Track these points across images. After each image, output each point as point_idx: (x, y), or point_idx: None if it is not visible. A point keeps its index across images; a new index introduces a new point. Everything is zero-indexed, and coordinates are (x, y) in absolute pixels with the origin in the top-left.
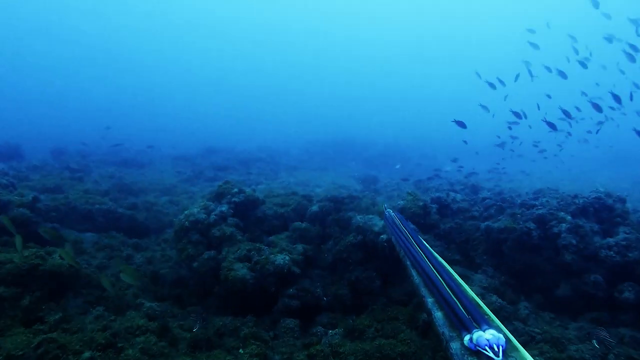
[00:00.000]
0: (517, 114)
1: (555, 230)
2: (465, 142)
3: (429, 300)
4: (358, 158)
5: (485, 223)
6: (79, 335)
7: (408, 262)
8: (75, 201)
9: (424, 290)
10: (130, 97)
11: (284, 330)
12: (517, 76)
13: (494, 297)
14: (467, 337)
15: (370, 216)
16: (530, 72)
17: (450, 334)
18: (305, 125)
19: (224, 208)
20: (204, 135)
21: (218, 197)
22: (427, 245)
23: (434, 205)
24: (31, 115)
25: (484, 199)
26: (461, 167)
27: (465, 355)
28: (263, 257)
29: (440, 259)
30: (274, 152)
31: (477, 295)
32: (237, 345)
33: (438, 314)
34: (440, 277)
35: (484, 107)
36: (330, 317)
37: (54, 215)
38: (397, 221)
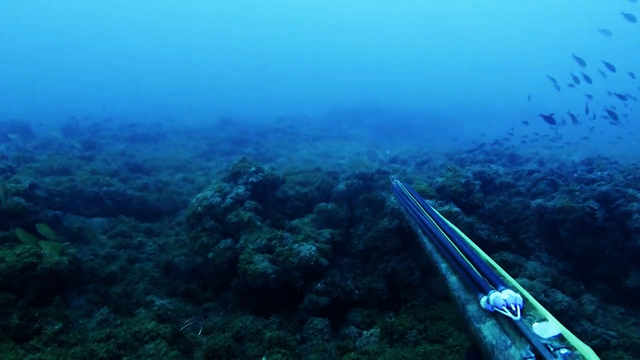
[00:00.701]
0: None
1: (624, 209)
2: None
3: (443, 266)
4: (385, 126)
5: (537, 201)
6: (78, 349)
7: (419, 231)
8: (81, 184)
9: (437, 256)
10: (146, 67)
11: (312, 332)
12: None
13: (560, 295)
14: (483, 299)
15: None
16: None
17: (466, 297)
18: (327, 93)
19: (241, 190)
20: (222, 105)
21: (234, 177)
22: (436, 212)
23: (476, 182)
24: (43, 92)
25: (531, 172)
26: (510, 134)
27: (483, 317)
28: (286, 247)
29: (451, 224)
30: (294, 121)
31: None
32: (260, 353)
33: (452, 279)
34: (452, 241)
35: (553, 80)
36: (363, 314)
37: (58, 201)
38: (406, 191)
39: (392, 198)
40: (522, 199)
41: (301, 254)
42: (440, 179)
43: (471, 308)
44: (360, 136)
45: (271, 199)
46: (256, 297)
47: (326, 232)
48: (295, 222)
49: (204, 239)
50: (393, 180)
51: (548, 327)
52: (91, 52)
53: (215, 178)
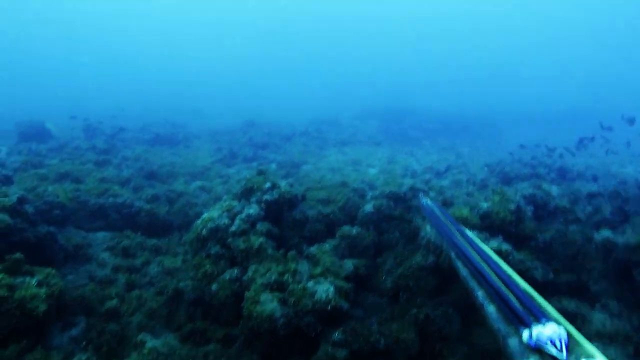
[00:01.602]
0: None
1: None
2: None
3: (479, 294)
4: (418, 129)
5: (603, 234)
6: None
7: (452, 254)
8: (86, 194)
9: (472, 284)
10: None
11: None
12: None
13: None
14: (525, 333)
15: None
16: None
17: (507, 330)
18: (358, 93)
19: (253, 210)
20: (250, 106)
21: (246, 193)
22: (470, 234)
23: (528, 208)
24: (67, 92)
25: (591, 195)
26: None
27: (526, 353)
28: (299, 286)
29: (486, 247)
30: (325, 124)
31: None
32: None
33: (491, 308)
34: (489, 267)
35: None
36: None
37: (57, 214)
38: (437, 211)
39: (428, 227)
40: (581, 227)
41: (316, 296)
42: (485, 203)
43: (512, 342)
44: (393, 140)
45: (288, 219)
46: (263, 342)
47: (349, 264)
48: (314, 249)
49: (207, 267)
50: (422, 198)
51: None
52: (118, 54)
53: (234, 187)
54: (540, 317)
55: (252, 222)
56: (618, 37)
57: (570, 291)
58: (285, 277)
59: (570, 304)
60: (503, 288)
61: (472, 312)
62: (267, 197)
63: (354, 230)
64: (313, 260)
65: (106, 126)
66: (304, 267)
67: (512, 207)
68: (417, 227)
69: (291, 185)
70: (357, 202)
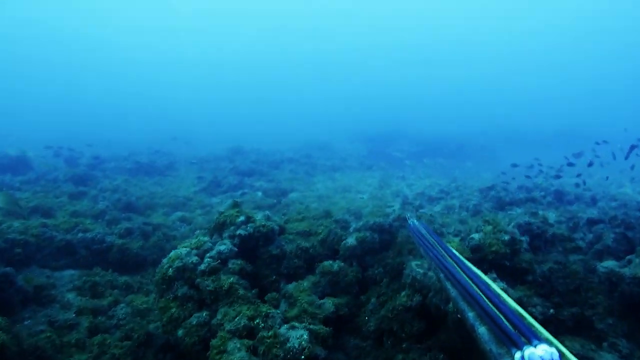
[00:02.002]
0: None
1: None
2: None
3: (470, 315)
4: (410, 153)
5: (606, 265)
6: None
7: (441, 275)
8: (53, 229)
9: (462, 304)
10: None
11: None
12: None
13: None
14: (518, 355)
15: None
16: None
17: (498, 351)
18: (350, 118)
19: (224, 247)
20: (240, 132)
21: (219, 228)
22: (457, 254)
23: (524, 238)
24: (44, 122)
25: (591, 221)
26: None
27: None
28: (270, 333)
29: (473, 267)
30: (316, 149)
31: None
32: None
33: (482, 330)
34: (478, 287)
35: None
36: None
37: (18, 252)
38: (424, 231)
39: (414, 264)
40: (582, 257)
41: (289, 344)
42: (477, 235)
43: None
44: (385, 164)
45: (264, 255)
46: None
47: (329, 304)
48: (292, 287)
49: (173, 310)
50: (409, 219)
51: None
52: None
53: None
54: (531, 337)
55: (223, 259)
56: (610, 57)
57: (573, 329)
58: (256, 321)
59: (575, 345)
60: (493, 309)
61: (463, 356)
62: (240, 231)
63: (336, 266)
64: (290, 300)
65: (87, 156)
66: (281, 307)
67: (506, 238)
68: (401, 262)
69: (267, 218)
70: (340, 234)
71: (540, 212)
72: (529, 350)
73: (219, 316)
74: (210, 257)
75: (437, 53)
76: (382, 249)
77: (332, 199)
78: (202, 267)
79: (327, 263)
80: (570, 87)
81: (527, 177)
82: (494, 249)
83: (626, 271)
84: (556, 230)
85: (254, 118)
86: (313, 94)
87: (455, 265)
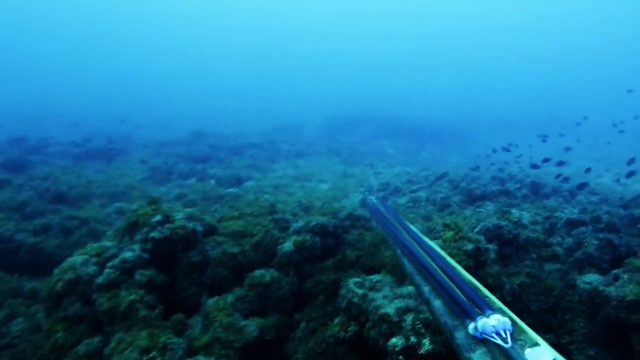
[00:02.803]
0: None
1: None
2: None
3: (426, 289)
4: (383, 138)
5: (587, 280)
6: None
7: (398, 251)
8: None
9: (418, 279)
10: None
11: None
12: None
13: None
14: (471, 326)
15: (380, 278)
16: None
17: (453, 323)
18: (327, 102)
19: (130, 254)
20: (211, 118)
21: (130, 230)
22: (415, 229)
23: (491, 247)
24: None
25: (570, 222)
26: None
27: (472, 345)
28: None
29: (430, 242)
30: (279, 132)
31: None
32: None
33: (437, 303)
34: (434, 262)
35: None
36: None
37: None
38: (382, 208)
39: (352, 282)
40: (559, 266)
41: None
42: (435, 242)
43: (459, 335)
44: (355, 151)
45: (183, 263)
46: None
47: (252, 327)
48: (211, 303)
49: (59, 335)
50: (367, 197)
51: (541, 353)
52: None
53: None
54: (484, 308)
55: (127, 269)
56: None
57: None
58: (152, 354)
59: None
60: (448, 282)
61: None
62: (155, 234)
63: (268, 276)
64: (206, 322)
65: (35, 137)
66: (195, 330)
67: (469, 247)
68: (337, 280)
69: (190, 217)
70: (277, 237)
71: (514, 212)
72: (482, 321)
73: (113, 344)
74: (111, 267)
75: (423, 41)
76: (326, 255)
77: (290, 188)
78: (100, 279)
79: (257, 273)
80: (554, 76)
81: (506, 149)
82: (455, 259)
83: (612, 291)
84: (530, 233)
85: (229, 103)
86: (292, 78)
87: (412, 241)
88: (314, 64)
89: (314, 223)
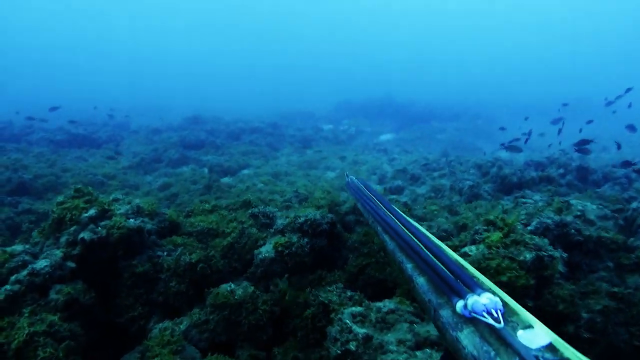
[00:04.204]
0: None
1: None
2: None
3: (408, 267)
4: (398, 122)
5: None
6: None
7: (379, 228)
8: None
9: (400, 256)
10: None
11: None
12: None
13: None
14: (459, 303)
15: (394, 306)
16: None
17: (438, 301)
18: (338, 87)
19: (44, 262)
20: (213, 108)
21: (55, 228)
22: (396, 209)
23: (557, 254)
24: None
25: None
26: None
27: (459, 324)
28: None
29: (413, 221)
30: (285, 117)
31: None
32: None
33: (420, 280)
34: (417, 239)
35: None
36: None
37: None
38: (362, 186)
39: (349, 314)
40: None
41: None
42: (475, 249)
43: (445, 314)
44: (368, 136)
45: (126, 274)
46: None
47: None
48: (155, 333)
49: None
50: (348, 176)
51: (535, 335)
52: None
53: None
54: (474, 287)
55: (38, 284)
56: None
57: None
58: None
59: None
60: (432, 259)
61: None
62: (85, 234)
63: (239, 292)
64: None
65: (19, 123)
66: None
67: (528, 257)
68: (326, 305)
69: (137, 211)
70: (255, 237)
71: (574, 203)
72: (472, 299)
73: None
74: (13, 283)
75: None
76: (319, 263)
77: (292, 177)
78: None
79: (224, 288)
80: (578, 56)
81: (542, 135)
82: (506, 277)
83: None
84: (602, 232)
85: (237, 90)
86: (301, 64)
87: (394, 218)
88: (326, 49)
89: (302, 219)
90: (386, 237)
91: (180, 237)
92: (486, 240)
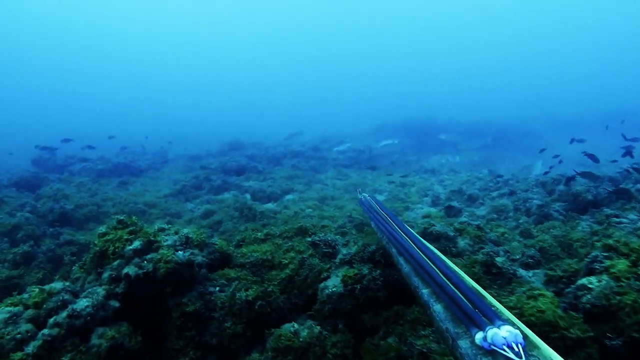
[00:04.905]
0: None
1: None
2: None
3: (425, 292)
4: (439, 143)
5: None
6: None
7: (394, 250)
8: None
9: (416, 280)
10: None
11: None
12: None
13: None
14: (479, 335)
15: None
16: None
17: (456, 331)
18: (373, 108)
19: (86, 302)
20: (248, 132)
21: (97, 262)
22: (410, 229)
23: None
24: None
25: None
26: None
27: (479, 356)
28: None
29: (428, 244)
30: (325, 141)
31: None
32: None
33: (437, 307)
34: (433, 263)
35: None
36: None
37: None
38: (375, 205)
39: None
40: None
41: None
42: (597, 282)
43: (463, 344)
44: (412, 158)
45: (175, 313)
46: None
47: None
48: None
49: None
50: (361, 194)
51: None
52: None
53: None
54: (493, 318)
55: (80, 327)
56: None
57: None
58: None
59: None
60: (450, 286)
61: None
62: (130, 270)
63: (304, 334)
64: None
65: (61, 157)
66: None
67: None
68: (426, 356)
69: (185, 242)
70: (318, 268)
71: None
72: (492, 331)
73: None
74: (52, 326)
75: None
76: (394, 297)
77: (339, 201)
78: (30, 348)
79: (286, 329)
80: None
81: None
82: None
83: None
84: None
85: (268, 117)
86: (336, 87)
87: (409, 241)
88: (360, 69)
89: (373, 247)
90: (401, 260)
91: (232, 269)
92: (611, 270)
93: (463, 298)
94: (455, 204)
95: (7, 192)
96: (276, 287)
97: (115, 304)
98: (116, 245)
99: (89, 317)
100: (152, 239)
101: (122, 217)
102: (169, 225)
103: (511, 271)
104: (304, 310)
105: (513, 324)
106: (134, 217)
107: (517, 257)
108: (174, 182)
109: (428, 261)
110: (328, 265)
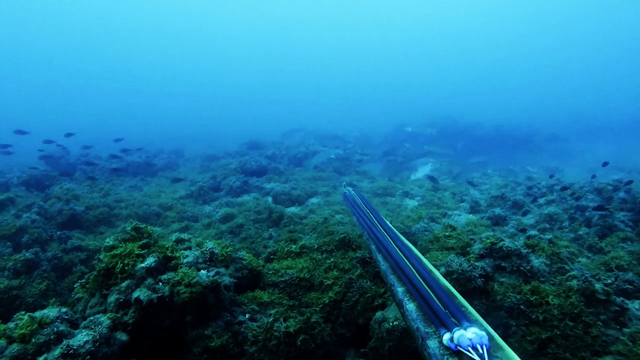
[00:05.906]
0: None
1: None
2: None
3: (399, 290)
4: (467, 147)
5: None
6: None
7: (373, 246)
8: None
9: (392, 278)
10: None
11: None
12: None
13: None
14: (446, 336)
15: None
16: None
17: (426, 330)
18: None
19: (85, 337)
20: (266, 133)
21: (102, 282)
22: (391, 226)
23: None
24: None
25: None
26: None
27: (446, 356)
28: None
29: (406, 241)
30: (349, 142)
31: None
32: None
33: (410, 306)
34: (410, 263)
35: None
36: None
37: None
38: (358, 200)
39: None
40: None
41: None
42: None
43: (432, 344)
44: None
45: (197, 348)
46: None
47: None
48: None
49: None
50: (345, 187)
51: None
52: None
53: (202, 235)
54: (461, 319)
55: None
56: None
57: None
58: None
59: None
60: (424, 286)
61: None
62: (142, 293)
63: None
64: None
65: (74, 155)
66: None
67: None
68: None
69: (210, 259)
70: (372, 293)
71: None
72: (458, 333)
73: None
74: None
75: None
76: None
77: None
78: None
79: None
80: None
81: None
82: None
83: None
84: None
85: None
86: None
87: (388, 239)
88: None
89: (443, 270)
90: (379, 257)
91: (264, 291)
92: None
93: (435, 298)
94: (498, 210)
95: (17, 191)
96: (319, 316)
97: (122, 337)
98: (125, 261)
99: (88, 357)
100: (170, 254)
101: (135, 223)
102: (189, 236)
103: (618, 301)
104: (351, 344)
105: (480, 326)
106: (148, 227)
107: (609, 281)
108: (190, 183)
109: (405, 259)
110: (383, 290)
